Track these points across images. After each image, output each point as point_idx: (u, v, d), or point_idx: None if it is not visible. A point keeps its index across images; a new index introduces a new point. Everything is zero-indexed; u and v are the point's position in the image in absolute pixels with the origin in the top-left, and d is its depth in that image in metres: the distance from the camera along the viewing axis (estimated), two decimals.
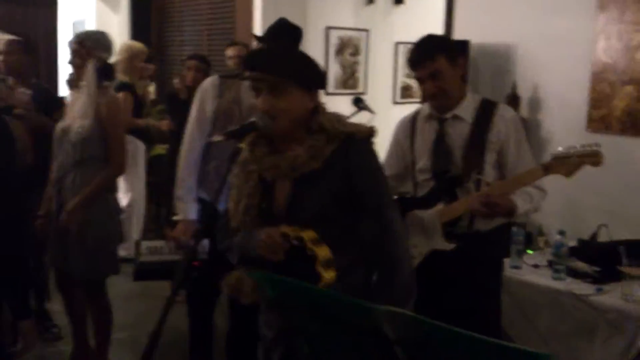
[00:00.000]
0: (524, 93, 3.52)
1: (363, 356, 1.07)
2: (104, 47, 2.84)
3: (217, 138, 1.60)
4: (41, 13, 5.80)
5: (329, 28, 4.89)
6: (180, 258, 2.42)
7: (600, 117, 3.23)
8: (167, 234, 3.23)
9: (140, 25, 6.16)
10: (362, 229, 1.62)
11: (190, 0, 5.77)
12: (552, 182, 2.12)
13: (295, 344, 1.54)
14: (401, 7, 5.25)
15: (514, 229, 2.71)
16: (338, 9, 4.96)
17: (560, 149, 2.09)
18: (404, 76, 5.31)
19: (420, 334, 0.91)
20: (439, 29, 4.54)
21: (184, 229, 2.48)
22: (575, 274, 2.63)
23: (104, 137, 2.67)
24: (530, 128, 3.31)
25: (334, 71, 4.93)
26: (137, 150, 4.36)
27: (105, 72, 2.80)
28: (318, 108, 1.63)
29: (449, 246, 2.14)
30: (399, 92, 5.40)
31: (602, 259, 2.64)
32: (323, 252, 1.48)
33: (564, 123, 3.36)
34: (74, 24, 6.43)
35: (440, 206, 2.17)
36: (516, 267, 2.71)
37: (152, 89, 5.23)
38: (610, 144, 3.03)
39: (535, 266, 2.77)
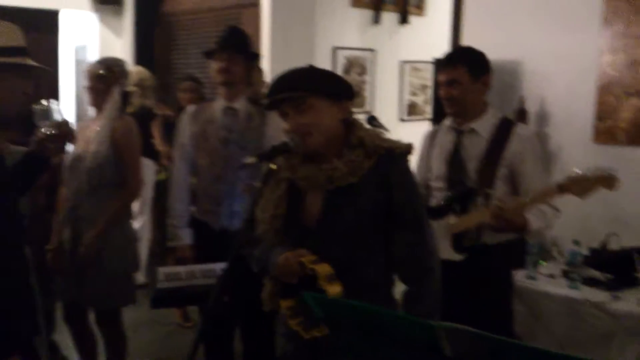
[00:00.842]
0: (531, 107, 3.57)
1: None
2: (126, 75, 2.89)
3: (249, 160, 1.60)
4: (42, 38, 5.80)
5: (336, 48, 4.96)
6: (200, 283, 2.40)
7: (607, 129, 3.28)
8: (169, 260, 3.26)
9: (144, 49, 6.20)
10: (397, 241, 1.62)
11: (195, 22, 5.83)
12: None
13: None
14: (406, 26, 5.33)
15: (529, 240, 2.74)
16: (345, 30, 5.03)
17: (576, 170, 2.11)
18: (410, 94, 5.38)
19: (481, 351, 0.90)
20: (444, 48, 4.63)
21: (182, 254, 2.56)
22: (590, 282, 2.65)
23: (120, 163, 2.66)
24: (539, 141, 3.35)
25: None
26: (147, 171, 4.38)
27: (125, 99, 2.83)
28: (353, 121, 1.64)
29: (458, 257, 2.18)
30: (405, 109, 5.46)
31: (616, 266, 2.66)
32: (334, 289, 1.47)
33: (571, 135, 3.41)
34: (76, 49, 6.48)
35: (451, 217, 2.21)
36: (532, 278, 2.72)
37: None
38: (617, 155, 3.12)
39: (551, 276, 2.79)
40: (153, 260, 4.54)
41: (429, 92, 5.56)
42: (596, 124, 3.32)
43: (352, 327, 1.13)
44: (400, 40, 5.35)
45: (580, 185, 2.07)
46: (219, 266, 2.43)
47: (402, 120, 5.41)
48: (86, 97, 2.84)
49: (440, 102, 3.70)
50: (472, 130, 2.26)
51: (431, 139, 2.40)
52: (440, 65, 2.23)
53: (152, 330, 3.85)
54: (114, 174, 2.65)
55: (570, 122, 3.43)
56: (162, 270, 2.48)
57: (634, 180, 3.08)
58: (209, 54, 2.69)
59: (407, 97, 5.44)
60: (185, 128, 2.71)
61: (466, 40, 3.98)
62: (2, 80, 1.85)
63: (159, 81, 4.98)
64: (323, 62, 4.82)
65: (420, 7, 5.45)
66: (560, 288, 2.66)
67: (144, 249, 4.58)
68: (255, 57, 2.76)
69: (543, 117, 3.56)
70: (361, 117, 2.15)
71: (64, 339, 3.03)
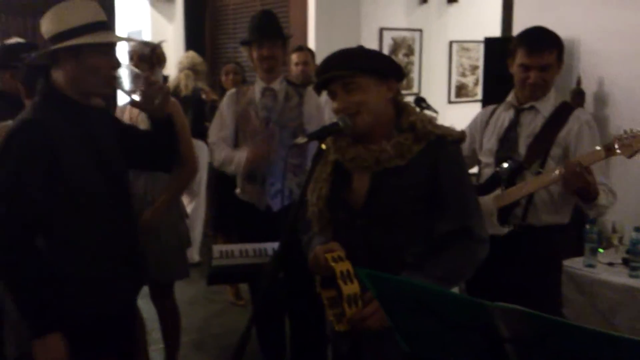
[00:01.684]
0: (588, 88, 3.44)
1: (469, 354, 1.05)
2: (165, 59, 2.94)
3: (300, 140, 1.60)
4: None
5: (382, 29, 4.91)
6: (253, 262, 2.45)
7: None
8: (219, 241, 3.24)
9: (194, 34, 6.31)
10: (438, 229, 1.59)
11: (243, 7, 5.88)
12: (623, 179, 2.08)
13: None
14: (455, 5, 5.22)
15: (587, 226, 2.67)
16: (391, 10, 4.97)
17: (622, 130, 2.07)
18: (459, 75, 5.28)
19: (536, 331, 0.89)
20: (494, 27, 4.51)
21: (255, 150, 2.62)
22: None
23: None
24: (596, 124, 3.24)
25: None
26: (201, 153, 4.46)
27: (164, 82, 2.90)
28: (405, 105, 1.63)
29: (503, 230, 2.16)
30: (454, 91, 5.36)
31: None
32: (349, 289, 1.46)
33: (631, 117, 3.26)
34: (129, 34, 6.65)
35: (497, 191, 2.19)
36: (591, 266, 2.66)
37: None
38: None
39: (610, 264, 2.71)
40: (207, 239, 4.65)
41: (479, 73, 5.45)
42: None
43: (406, 306, 1.13)
44: (448, 20, 5.24)
45: (627, 145, 2.01)
46: (271, 246, 2.48)
47: (451, 102, 5.32)
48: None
49: (491, 81, 3.66)
50: (532, 108, 2.23)
51: (488, 116, 2.37)
52: (534, 49, 2.13)
53: (206, 307, 3.97)
54: None
55: (630, 103, 3.29)
56: (217, 248, 2.56)
57: None
58: (247, 43, 2.72)
59: (456, 78, 5.34)
60: (227, 110, 2.78)
61: (519, 19, 3.86)
62: (89, 58, 1.76)
63: (210, 65, 5.06)
64: (369, 44, 4.77)
65: None
66: (620, 277, 2.60)
67: (198, 229, 4.70)
68: (288, 38, 2.81)
69: (601, 99, 3.43)
70: (409, 99, 2.13)
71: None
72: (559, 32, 2.33)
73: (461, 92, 5.38)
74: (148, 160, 2.02)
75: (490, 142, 2.30)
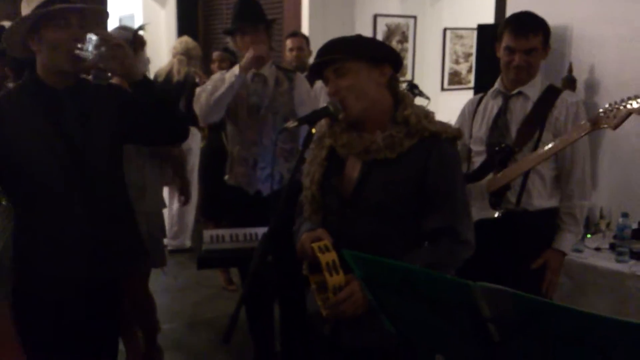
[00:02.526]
0: (580, 75, 3.45)
1: (454, 334, 1.06)
2: (145, 41, 2.89)
3: (290, 124, 1.61)
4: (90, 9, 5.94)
5: (376, 15, 4.89)
6: (243, 246, 2.46)
7: None
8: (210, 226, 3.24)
9: (187, 19, 6.26)
10: (425, 225, 1.58)
11: None
12: (612, 166, 2.11)
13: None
14: None
15: None
16: None
17: (607, 104, 2.08)
18: (452, 62, 5.28)
19: (519, 311, 0.89)
20: (488, 14, 4.50)
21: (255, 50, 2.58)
22: (638, 256, 2.59)
23: None
24: (587, 110, 3.25)
25: None
26: (193, 140, 4.45)
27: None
28: (403, 97, 1.62)
29: (494, 213, 2.19)
30: (447, 78, 5.37)
31: None
32: (334, 280, 1.47)
33: None
34: (120, 18, 6.59)
35: (489, 176, 2.22)
36: (578, 251, 2.68)
37: None
38: None
39: (597, 249, 2.74)
40: (199, 225, 4.66)
41: (472, 60, 5.44)
42: None
43: (391, 286, 1.14)
44: (442, 7, 5.23)
45: (612, 117, 2.02)
46: (262, 230, 2.48)
47: (444, 89, 5.32)
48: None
49: (484, 69, 3.66)
50: (520, 93, 2.25)
51: (475, 105, 2.38)
52: (519, 31, 2.16)
53: (197, 292, 3.99)
54: None
55: (622, 90, 3.25)
56: (207, 233, 2.55)
57: None
58: (230, 32, 2.70)
59: (450, 66, 5.34)
60: None
61: (512, 6, 3.85)
62: (47, 34, 1.67)
63: (202, 51, 5.03)
64: (363, 30, 4.75)
65: None
66: (607, 262, 2.62)
67: (190, 215, 4.70)
68: (271, 22, 2.77)
69: (592, 86, 3.43)
70: (402, 86, 2.12)
71: None
72: (551, 19, 2.34)
73: (454, 79, 5.38)
74: (149, 133, 1.88)
75: (480, 130, 2.32)
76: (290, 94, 2.71)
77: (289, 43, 3.95)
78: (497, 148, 2.23)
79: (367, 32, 4.83)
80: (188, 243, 4.64)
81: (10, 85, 2.12)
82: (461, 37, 5.37)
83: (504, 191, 2.21)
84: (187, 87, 4.62)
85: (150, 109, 1.78)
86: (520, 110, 2.24)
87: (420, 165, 1.54)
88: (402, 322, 1.22)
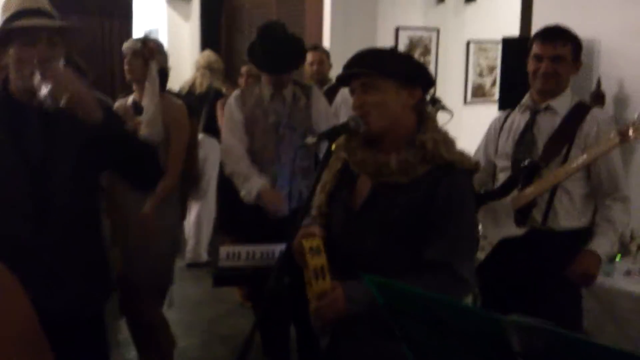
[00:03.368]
0: (609, 90, 3.35)
1: None
2: (163, 52, 2.81)
3: (309, 140, 1.58)
4: (116, 23, 6.01)
5: (398, 28, 4.85)
6: (260, 265, 2.41)
7: None
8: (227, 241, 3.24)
9: (210, 33, 6.31)
10: (427, 256, 1.50)
11: (259, 6, 5.86)
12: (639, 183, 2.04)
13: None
14: (472, 5, 5.14)
15: None
16: (408, 9, 4.91)
17: (636, 115, 2.03)
18: (476, 75, 5.20)
19: (554, 348, 0.85)
20: (513, 26, 4.42)
21: (271, 197, 2.56)
22: None
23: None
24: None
25: None
26: (212, 152, 4.44)
27: (163, 77, 2.75)
28: (427, 119, 1.56)
29: (519, 231, 2.12)
30: (470, 92, 5.29)
31: None
32: (319, 286, 1.43)
33: None
34: (145, 33, 6.67)
35: (514, 193, 2.15)
36: (607, 274, 2.58)
37: None
38: None
39: (628, 273, 2.63)
40: (216, 238, 4.63)
41: (497, 73, 5.35)
42: None
43: (414, 315, 1.09)
44: (466, 19, 5.16)
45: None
46: (279, 248, 2.44)
47: (467, 103, 5.24)
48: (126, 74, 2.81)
49: (508, 82, 3.58)
50: (549, 108, 2.18)
51: (502, 121, 2.33)
52: (547, 37, 2.14)
53: (213, 308, 3.95)
54: (165, 156, 2.63)
55: None
56: (224, 249, 2.51)
57: None
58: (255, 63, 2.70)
59: (473, 79, 5.26)
60: (235, 113, 2.73)
61: (538, 18, 3.77)
62: (15, 50, 1.54)
63: (225, 64, 5.07)
64: (385, 43, 4.71)
65: None
66: (637, 285, 2.52)
67: (207, 229, 4.68)
68: (297, 65, 2.79)
69: (621, 100, 3.33)
70: (428, 106, 2.07)
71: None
72: (579, 32, 2.28)
73: (478, 92, 5.30)
74: (120, 173, 1.75)
75: (506, 145, 2.26)
76: (307, 110, 2.68)
77: (309, 57, 3.87)
78: (522, 164, 2.17)
79: (389, 45, 4.79)
80: (205, 256, 4.62)
81: None
82: (485, 49, 5.29)
83: (529, 208, 2.13)
84: (209, 99, 4.65)
85: (115, 153, 1.62)
86: (548, 125, 2.17)
87: (429, 193, 1.49)
88: (425, 353, 1.17)
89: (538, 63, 2.15)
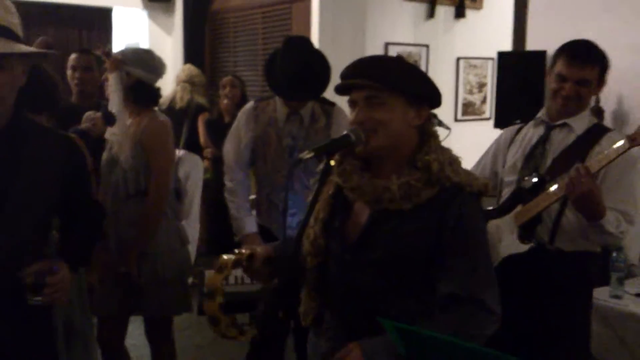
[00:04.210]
0: (607, 106, 3.29)
1: None
2: (137, 63, 2.44)
3: (305, 155, 1.39)
4: (95, 35, 5.88)
5: (388, 44, 4.77)
6: (250, 290, 2.23)
7: None
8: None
9: (193, 47, 6.17)
10: (442, 287, 1.35)
11: (244, 20, 5.75)
12: None
13: None
14: (462, 21, 5.09)
15: (614, 254, 2.48)
16: (397, 24, 4.84)
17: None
18: (466, 92, 5.13)
19: None
20: (502, 43, 4.37)
21: (250, 244, 2.36)
22: None
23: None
24: None
25: None
26: (194, 169, 4.27)
27: (140, 92, 2.44)
28: (429, 137, 1.41)
29: (524, 247, 2.00)
30: (460, 109, 5.21)
31: None
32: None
33: None
34: (126, 46, 6.51)
35: (518, 208, 2.04)
36: (616, 297, 2.46)
37: None
38: None
39: (638, 295, 2.52)
40: (200, 261, 4.44)
41: (487, 90, 5.29)
42: None
43: None
44: (455, 36, 5.11)
45: None
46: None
47: (458, 120, 5.16)
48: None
49: (503, 97, 3.50)
50: (565, 125, 2.08)
51: (514, 133, 2.23)
52: (575, 59, 2.01)
53: (200, 333, 3.70)
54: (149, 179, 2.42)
55: None
56: (209, 274, 2.31)
57: None
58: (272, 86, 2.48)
59: (463, 96, 5.18)
60: (245, 129, 2.49)
61: (531, 34, 3.72)
62: None
63: (209, 78, 4.96)
64: None
65: (477, 0, 5.19)
66: None
67: (192, 249, 4.49)
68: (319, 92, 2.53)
69: (621, 116, 3.28)
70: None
71: None
72: None
73: (468, 110, 5.22)
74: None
75: (514, 158, 2.15)
76: (327, 131, 2.41)
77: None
78: (527, 177, 2.05)
79: None
80: (190, 279, 4.41)
81: None
82: (475, 66, 5.23)
83: (534, 224, 2.01)
84: (190, 114, 4.51)
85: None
86: (561, 141, 2.07)
87: (436, 217, 1.33)
88: None
89: (561, 83, 2.02)
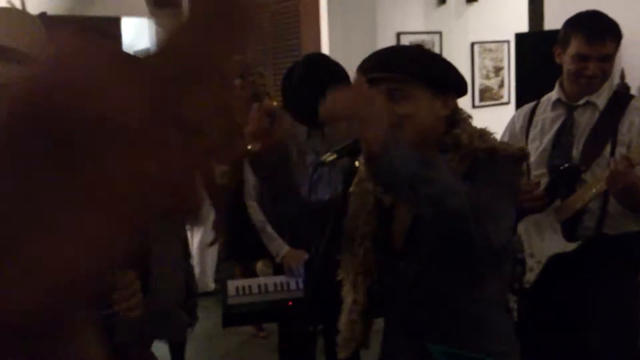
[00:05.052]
0: (633, 82, 3.15)
1: None
2: None
3: (327, 157, 1.30)
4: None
5: (399, 33, 4.66)
6: (274, 299, 2.17)
7: None
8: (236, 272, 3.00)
9: None
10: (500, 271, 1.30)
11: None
12: None
13: None
14: (474, 5, 4.96)
15: None
16: (408, 13, 4.73)
17: None
18: (483, 77, 4.99)
19: None
20: (520, 23, 4.22)
21: (294, 258, 2.30)
22: None
23: None
24: None
25: None
26: None
27: None
28: (458, 120, 1.32)
29: (570, 246, 1.89)
30: (477, 94, 5.08)
31: None
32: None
33: None
34: (135, 54, 6.49)
35: (556, 203, 1.92)
36: None
37: None
38: None
39: None
40: (221, 267, 4.40)
41: (504, 74, 5.15)
42: None
43: None
44: (468, 20, 4.98)
45: None
46: (294, 280, 2.20)
47: (475, 106, 5.02)
48: None
49: (524, 79, 3.37)
50: (589, 103, 1.95)
51: (527, 119, 2.08)
52: (595, 37, 1.90)
53: (226, 340, 3.65)
54: None
55: None
56: (233, 284, 2.25)
57: None
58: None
59: (480, 81, 5.05)
60: None
61: (549, 13, 3.58)
62: None
63: None
64: None
65: None
66: None
67: (211, 255, 4.45)
68: None
69: None
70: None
71: None
72: None
73: (485, 95, 5.08)
74: None
75: (539, 149, 2.01)
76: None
77: None
78: (560, 168, 1.94)
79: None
80: (212, 285, 4.37)
81: None
82: (490, 50, 5.09)
83: (578, 217, 1.90)
84: None
85: None
86: (589, 123, 1.94)
87: (468, 181, 1.24)
88: None
89: (583, 63, 1.90)
